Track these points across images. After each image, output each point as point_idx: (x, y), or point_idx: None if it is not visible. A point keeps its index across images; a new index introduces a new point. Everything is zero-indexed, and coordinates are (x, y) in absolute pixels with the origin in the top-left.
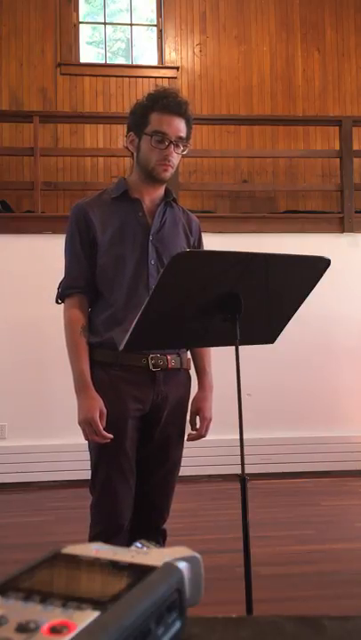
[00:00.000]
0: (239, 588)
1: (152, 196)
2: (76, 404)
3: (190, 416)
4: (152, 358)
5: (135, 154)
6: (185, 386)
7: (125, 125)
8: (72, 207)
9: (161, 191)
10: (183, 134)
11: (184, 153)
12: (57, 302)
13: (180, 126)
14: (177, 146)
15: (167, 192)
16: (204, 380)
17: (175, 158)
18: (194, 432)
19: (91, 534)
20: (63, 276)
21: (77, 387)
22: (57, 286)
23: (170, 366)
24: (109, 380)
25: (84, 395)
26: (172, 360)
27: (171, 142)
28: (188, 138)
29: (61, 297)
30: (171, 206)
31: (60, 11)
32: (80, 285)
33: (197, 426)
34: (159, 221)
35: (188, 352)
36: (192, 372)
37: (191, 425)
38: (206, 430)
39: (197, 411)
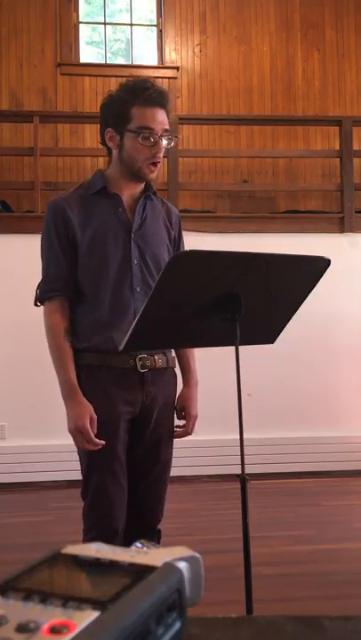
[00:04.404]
0: (239, 587)
1: (132, 191)
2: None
3: (176, 414)
4: (140, 359)
5: (117, 151)
6: (172, 384)
7: (100, 120)
8: (48, 204)
9: (141, 186)
10: (168, 126)
11: (171, 145)
12: (35, 305)
13: (164, 118)
14: (162, 139)
15: (147, 186)
16: (189, 377)
17: (162, 154)
18: (180, 430)
19: (85, 540)
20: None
21: (65, 393)
22: (35, 288)
23: (157, 366)
24: (97, 385)
25: (73, 402)
26: (159, 360)
27: (159, 137)
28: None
29: (40, 300)
30: (150, 199)
31: (60, 11)
32: (60, 288)
33: (183, 423)
34: (140, 217)
35: (172, 350)
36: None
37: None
38: (192, 428)
39: (183, 409)
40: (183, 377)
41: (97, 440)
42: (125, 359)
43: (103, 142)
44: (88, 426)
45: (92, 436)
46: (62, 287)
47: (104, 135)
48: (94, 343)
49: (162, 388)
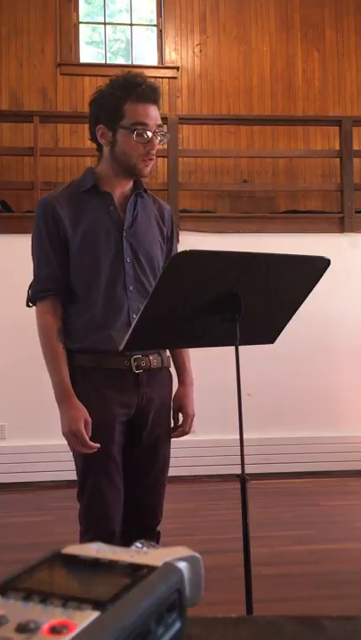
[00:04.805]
0: (239, 587)
1: (123, 189)
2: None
3: (172, 413)
4: (135, 360)
5: (108, 148)
6: (167, 385)
7: (89, 117)
8: (37, 202)
9: (131, 183)
10: (160, 121)
11: (164, 142)
12: (28, 306)
13: (157, 114)
14: (156, 135)
15: (137, 183)
16: (184, 376)
17: (155, 150)
18: (178, 430)
19: (82, 542)
20: (32, 277)
21: (58, 396)
22: (27, 288)
23: (152, 366)
24: (92, 386)
25: (67, 405)
26: (153, 360)
27: (153, 134)
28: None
29: (32, 300)
30: (141, 196)
31: (60, 11)
32: (51, 288)
33: (180, 422)
34: (131, 215)
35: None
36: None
37: (174, 421)
38: (190, 427)
39: (179, 408)
40: (178, 376)
41: (92, 443)
42: (120, 360)
43: (93, 139)
44: (83, 429)
45: (87, 439)
46: (54, 287)
47: (95, 132)
48: (88, 344)
49: (157, 388)
